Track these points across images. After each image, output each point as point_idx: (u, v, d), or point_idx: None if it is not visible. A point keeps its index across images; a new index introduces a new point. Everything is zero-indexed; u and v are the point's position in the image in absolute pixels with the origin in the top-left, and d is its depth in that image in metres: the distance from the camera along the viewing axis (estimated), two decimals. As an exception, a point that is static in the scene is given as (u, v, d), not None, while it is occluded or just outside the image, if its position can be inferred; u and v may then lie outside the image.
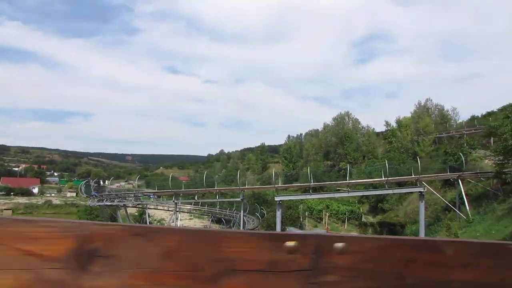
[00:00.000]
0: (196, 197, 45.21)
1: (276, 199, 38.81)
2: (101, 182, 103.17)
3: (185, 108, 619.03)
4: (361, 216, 56.07)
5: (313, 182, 47.03)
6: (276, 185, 43.02)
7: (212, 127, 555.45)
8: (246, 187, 46.57)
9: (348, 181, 41.80)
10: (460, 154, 42.47)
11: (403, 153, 67.96)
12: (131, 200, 49.64)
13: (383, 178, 40.96)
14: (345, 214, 55.72)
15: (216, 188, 44.41)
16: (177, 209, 52.93)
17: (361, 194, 51.09)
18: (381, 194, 52.08)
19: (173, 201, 43.98)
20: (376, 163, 61.02)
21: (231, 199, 48.30)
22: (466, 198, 38.41)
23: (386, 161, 43.50)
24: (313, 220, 54.99)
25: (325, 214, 54.36)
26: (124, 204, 47.85)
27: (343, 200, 60.94)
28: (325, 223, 52.69)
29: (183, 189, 47.20)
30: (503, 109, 23.67)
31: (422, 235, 37.16)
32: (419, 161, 41.55)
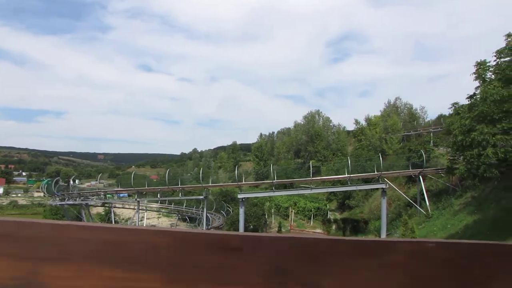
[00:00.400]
0: (159, 195, 44.64)
1: (239, 196, 38.84)
2: (71, 182, 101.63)
3: (160, 106, 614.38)
4: (327, 213, 56.43)
5: (282, 180, 47.35)
6: (239, 183, 42.84)
7: (186, 125, 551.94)
8: (210, 185, 46.38)
9: (311, 178, 41.97)
10: (422, 151, 43.11)
11: (371, 151, 68.63)
12: (94, 199, 48.76)
13: (346, 175, 41.19)
14: (311, 211, 56.03)
15: (179, 186, 44.04)
16: (143, 208, 52.46)
17: (324, 191, 51.35)
18: (347, 191, 52.61)
19: (136, 200, 43.40)
20: (345, 161, 61.54)
21: (195, 197, 47.97)
22: (426, 194, 39.10)
23: (349, 158, 43.80)
24: (280, 217, 55.13)
25: (291, 211, 54.53)
26: (86, 203, 47.00)
27: (312, 197, 61.32)
28: (291, 220, 52.88)
29: (146, 187, 46.69)
30: (454, 107, 24.01)
31: (384, 231, 37.74)
32: (381, 158, 41.93)
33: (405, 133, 75.33)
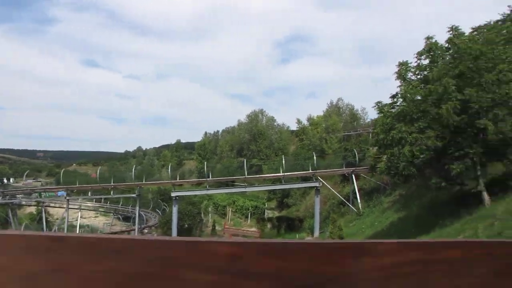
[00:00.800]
0: (89, 193, 43.17)
1: (173, 194, 38.29)
2: (5, 180, 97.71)
3: (105, 103, 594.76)
4: (264, 211, 56.61)
5: (217, 178, 46.92)
6: (173, 181, 42.19)
7: (132, 123, 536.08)
8: (142, 182, 45.30)
9: (245, 177, 41.92)
10: (355, 150, 43.92)
11: (311, 150, 69.56)
12: (20, 197, 46.50)
13: (281, 174, 41.45)
14: (248, 209, 56.03)
15: (112, 184, 42.71)
16: (76, 207, 50.70)
17: (257, 189, 51.38)
18: (286, 190, 53.01)
19: (65, 198, 41.78)
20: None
21: (127, 195, 46.69)
22: (359, 192, 39.94)
23: (283, 157, 44.11)
24: (218, 216, 54.76)
25: (229, 210, 54.31)
26: (12, 203, 44.72)
27: (253, 195, 61.41)
28: (228, 218, 52.66)
29: (77, 185, 45.02)
30: (378, 106, 24.44)
31: (317, 229, 38.13)
32: (314, 157, 42.45)
33: (346, 133, 76.76)
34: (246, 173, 42.33)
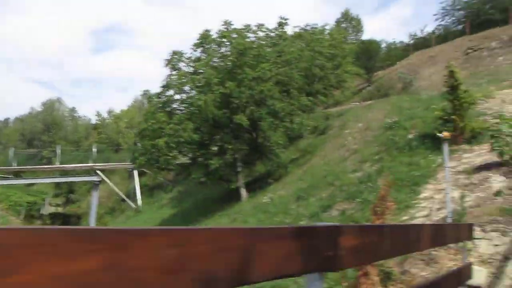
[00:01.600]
0: None
1: None
2: None
3: None
4: (40, 208, 51.63)
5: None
6: None
7: None
8: None
9: (13, 168, 37.43)
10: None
11: (106, 144, 66.54)
12: None
13: (55, 166, 37.99)
14: (22, 205, 50.45)
15: None
16: None
17: (28, 182, 46.67)
18: (71, 186, 49.69)
19: None
20: (77, 152, 58.33)
21: None
22: (140, 188, 38.61)
23: (59, 147, 40.75)
24: (-17, 213, 47.85)
25: (-1, 206, 47.99)
26: None
27: (39, 191, 56.25)
28: (-4, 215, 46.43)
29: None
30: (146, 95, 23.46)
31: (92, 225, 35.52)
32: (93, 151, 40.04)
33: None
34: (12, 164, 37.64)
